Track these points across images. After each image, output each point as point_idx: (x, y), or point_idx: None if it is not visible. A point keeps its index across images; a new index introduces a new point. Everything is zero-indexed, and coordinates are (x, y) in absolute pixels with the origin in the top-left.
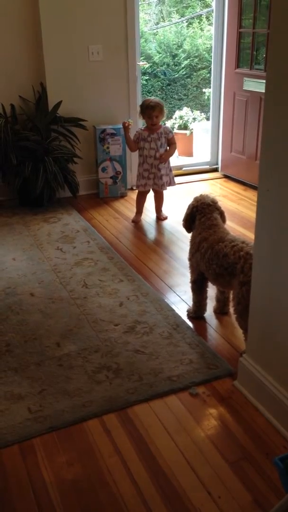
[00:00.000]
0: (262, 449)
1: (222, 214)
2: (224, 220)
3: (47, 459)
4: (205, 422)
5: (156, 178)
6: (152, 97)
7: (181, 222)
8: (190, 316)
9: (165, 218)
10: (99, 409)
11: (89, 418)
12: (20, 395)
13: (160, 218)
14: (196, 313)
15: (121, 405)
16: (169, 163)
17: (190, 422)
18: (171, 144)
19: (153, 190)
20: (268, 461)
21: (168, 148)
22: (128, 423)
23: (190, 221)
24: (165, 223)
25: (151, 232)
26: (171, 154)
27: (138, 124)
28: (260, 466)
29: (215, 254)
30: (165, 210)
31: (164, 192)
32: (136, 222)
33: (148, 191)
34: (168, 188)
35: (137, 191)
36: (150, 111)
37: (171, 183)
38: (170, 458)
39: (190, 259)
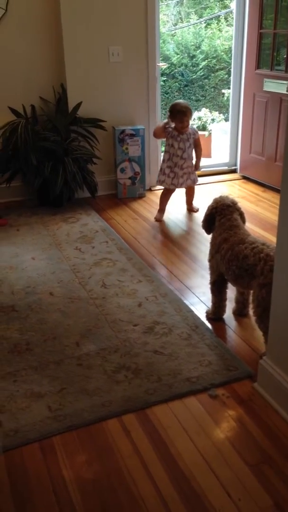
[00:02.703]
0: (282, 452)
1: (242, 215)
2: (243, 221)
3: (67, 457)
4: (225, 424)
5: (176, 177)
6: (181, 101)
7: (200, 224)
8: (209, 318)
9: (197, 210)
10: (119, 409)
11: (108, 418)
12: (40, 393)
13: (192, 210)
14: (215, 314)
15: (140, 405)
16: (192, 163)
17: (210, 424)
18: (197, 145)
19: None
20: None
21: (195, 149)
22: (147, 424)
23: (209, 222)
24: (184, 224)
25: (169, 233)
26: (200, 158)
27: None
28: (281, 469)
29: (235, 256)
30: (183, 212)
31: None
32: (159, 220)
33: (173, 190)
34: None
35: (158, 190)
36: (182, 116)
37: (195, 181)
38: (190, 460)
39: (210, 260)
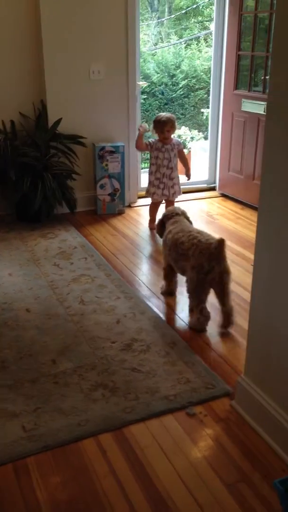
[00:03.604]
0: (260, 472)
1: (190, 223)
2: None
3: (42, 479)
4: (202, 443)
5: (165, 188)
6: (164, 113)
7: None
8: (162, 292)
9: None
10: (95, 428)
11: (84, 438)
12: (14, 412)
13: None
14: (167, 291)
15: (117, 424)
16: (178, 173)
17: (187, 443)
18: (181, 156)
19: (165, 200)
20: (266, 484)
21: (180, 160)
22: (124, 443)
23: (161, 227)
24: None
25: (148, 249)
26: (189, 167)
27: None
28: (258, 489)
29: (174, 242)
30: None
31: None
32: (153, 228)
33: (161, 201)
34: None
35: (138, 206)
36: (162, 125)
37: (179, 192)
38: (167, 480)
39: (163, 253)
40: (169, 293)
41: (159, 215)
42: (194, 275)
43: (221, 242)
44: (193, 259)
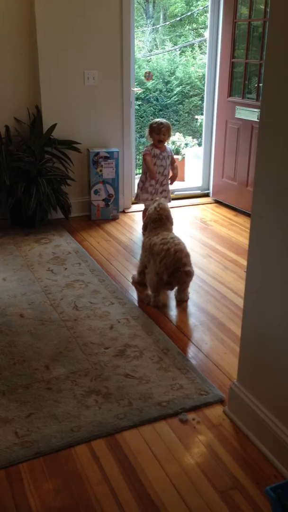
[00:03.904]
0: (252, 478)
1: (171, 223)
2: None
3: (34, 485)
4: (195, 450)
5: (156, 193)
6: (160, 118)
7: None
8: (133, 282)
9: None
10: (88, 434)
11: (77, 444)
12: (7, 418)
13: None
14: (139, 281)
15: (110, 430)
16: (168, 181)
17: (180, 449)
18: (173, 162)
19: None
20: (259, 490)
21: (171, 165)
22: (117, 449)
23: (145, 226)
24: None
25: None
26: (176, 174)
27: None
28: (250, 496)
29: (149, 244)
30: None
31: None
32: None
33: None
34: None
35: (132, 212)
36: (160, 125)
37: (169, 200)
38: (159, 486)
39: (142, 253)
40: (141, 283)
41: None
42: (154, 279)
43: (188, 273)
44: (158, 266)
